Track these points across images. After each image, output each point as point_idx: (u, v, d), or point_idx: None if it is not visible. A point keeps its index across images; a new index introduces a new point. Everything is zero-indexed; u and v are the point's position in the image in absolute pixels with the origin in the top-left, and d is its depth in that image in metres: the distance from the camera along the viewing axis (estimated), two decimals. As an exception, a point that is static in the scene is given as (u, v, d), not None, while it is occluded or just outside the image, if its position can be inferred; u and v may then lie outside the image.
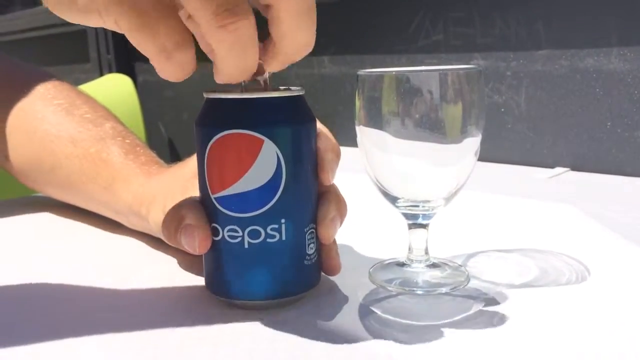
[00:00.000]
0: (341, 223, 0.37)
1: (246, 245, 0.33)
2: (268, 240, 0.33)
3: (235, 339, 0.32)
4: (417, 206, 0.38)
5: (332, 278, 0.39)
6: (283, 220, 0.33)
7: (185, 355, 0.30)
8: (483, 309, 0.35)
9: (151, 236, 0.48)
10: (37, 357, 0.30)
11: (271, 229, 0.33)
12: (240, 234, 0.33)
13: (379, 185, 0.38)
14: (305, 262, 0.35)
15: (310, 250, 0.35)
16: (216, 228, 0.34)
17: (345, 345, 0.31)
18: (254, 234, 0.33)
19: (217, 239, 0.34)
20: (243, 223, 0.33)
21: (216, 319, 0.34)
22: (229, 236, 0.33)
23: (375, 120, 0.36)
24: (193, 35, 0.29)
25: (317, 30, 0.29)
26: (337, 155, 0.37)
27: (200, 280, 0.37)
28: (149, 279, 0.41)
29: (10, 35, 1.95)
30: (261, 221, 0.33)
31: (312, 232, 0.35)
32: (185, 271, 0.42)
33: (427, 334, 0.32)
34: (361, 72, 0.37)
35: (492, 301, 0.36)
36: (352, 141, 0.39)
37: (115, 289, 0.39)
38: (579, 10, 0.74)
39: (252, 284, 0.34)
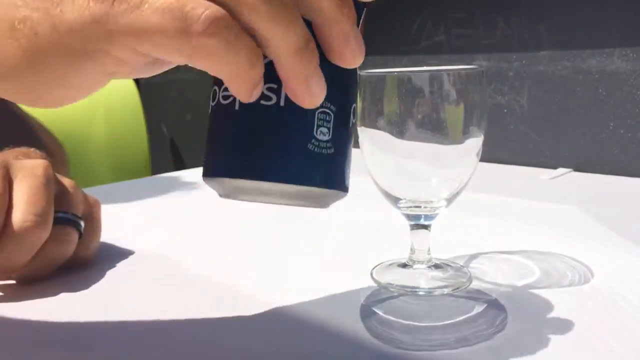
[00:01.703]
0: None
1: (237, 107, 0.27)
2: (262, 101, 0.26)
3: (233, 338, 0.32)
4: (419, 207, 0.38)
5: (333, 279, 0.39)
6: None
7: (180, 354, 0.30)
8: (485, 310, 0.35)
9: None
10: (44, 348, 0.30)
11: (267, 89, 0.26)
12: None
13: (381, 186, 0.38)
14: (310, 146, 0.27)
15: (321, 135, 0.28)
16: (214, 90, 0.29)
17: (346, 346, 0.31)
18: None
19: (213, 103, 0.29)
20: None
21: (215, 319, 0.34)
22: (222, 97, 0.28)
23: (377, 121, 0.36)
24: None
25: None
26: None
27: (194, 281, 0.37)
28: (149, 280, 0.41)
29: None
30: None
31: (328, 114, 0.28)
32: (184, 272, 0.42)
33: (429, 335, 0.32)
34: (363, 72, 0.37)
35: (494, 302, 0.36)
36: (354, 142, 0.39)
37: (115, 288, 0.39)
38: (581, 11, 0.74)
39: (243, 158, 0.27)
